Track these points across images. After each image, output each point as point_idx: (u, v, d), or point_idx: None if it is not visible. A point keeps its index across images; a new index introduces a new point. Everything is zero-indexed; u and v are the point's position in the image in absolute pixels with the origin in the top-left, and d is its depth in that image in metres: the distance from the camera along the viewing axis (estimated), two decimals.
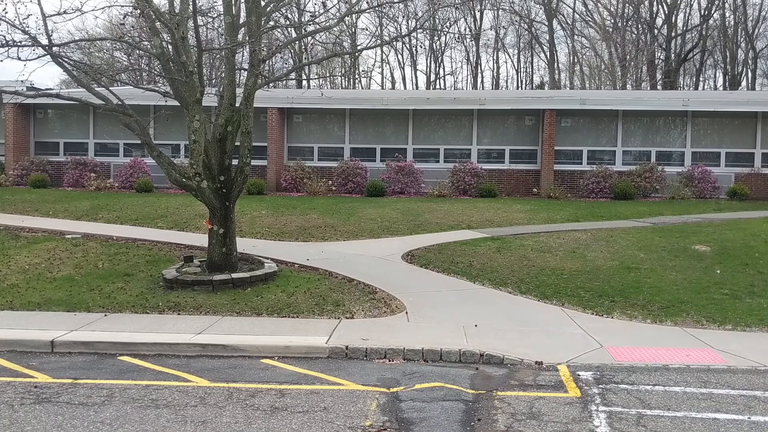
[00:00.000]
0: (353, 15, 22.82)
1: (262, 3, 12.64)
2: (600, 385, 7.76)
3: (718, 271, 13.13)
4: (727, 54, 48.58)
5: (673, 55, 48.86)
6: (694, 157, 23.59)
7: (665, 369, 8.42)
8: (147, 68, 24.94)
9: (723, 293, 11.93)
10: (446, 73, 58.73)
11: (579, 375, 8.15)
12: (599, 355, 8.90)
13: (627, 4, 48.97)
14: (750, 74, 49.22)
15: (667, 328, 10.32)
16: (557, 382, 7.93)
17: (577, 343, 9.40)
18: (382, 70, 57.58)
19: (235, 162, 12.80)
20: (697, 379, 8.02)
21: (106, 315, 10.63)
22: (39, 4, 11.35)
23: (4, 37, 10.87)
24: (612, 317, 10.88)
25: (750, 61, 48.79)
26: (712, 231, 16.22)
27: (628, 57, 47.98)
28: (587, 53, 53.69)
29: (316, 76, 49.16)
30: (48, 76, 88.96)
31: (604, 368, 8.42)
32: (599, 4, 50.33)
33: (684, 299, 11.60)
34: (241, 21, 12.95)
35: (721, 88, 49.19)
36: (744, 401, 7.29)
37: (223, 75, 14.55)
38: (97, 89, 12.59)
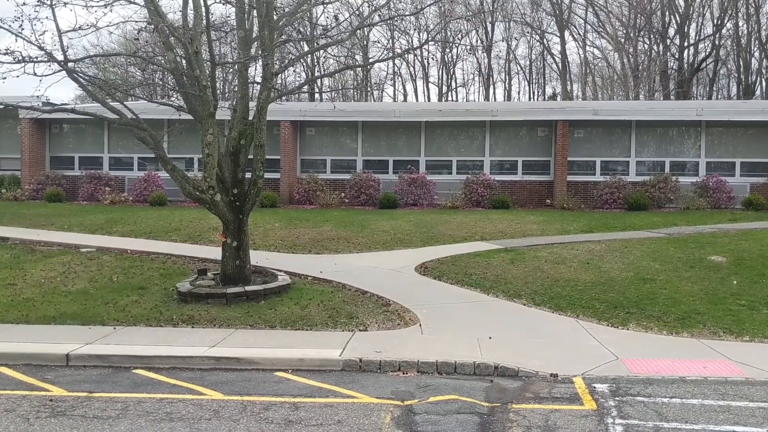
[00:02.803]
0: (365, 28, 22.94)
1: (275, 17, 12.72)
2: (616, 398, 7.69)
3: (735, 282, 13.01)
4: (741, 63, 48.35)
5: (686, 65, 48.70)
6: (708, 167, 23.46)
7: (682, 381, 8.34)
8: (161, 83, 25.17)
9: (740, 304, 11.81)
10: (458, 85, 58.84)
11: (595, 387, 8.08)
12: (615, 367, 8.83)
13: (639, 15, 48.90)
14: (764, 83, 48.97)
15: (683, 340, 10.23)
16: (573, 394, 7.87)
17: (592, 355, 9.32)
18: (394, 82, 57.64)
19: (248, 175, 12.85)
20: (715, 392, 7.93)
21: (120, 328, 10.67)
22: (55, 20, 11.49)
23: (21, 53, 10.99)
24: (627, 329, 10.79)
25: (764, 70, 48.52)
26: (728, 241, 16.09)
27: (640, 67, 47.87)
28: (599, 64, 53.64)
29: (328, 89, 49.36)
30: (63, 91, 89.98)
31: (620, 380, 8.35)
32: (611, 15, 50.30)
33: (700, 310, 11.49)
34: (254, 35, 13.04)
35: (735, 98, 48.91)
36: (763, 414, 7.19)
37: (236, 89, 14.64)
38: (111, 104, 12.70)
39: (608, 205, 22.51)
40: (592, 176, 23.63)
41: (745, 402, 7.56)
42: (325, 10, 17.49)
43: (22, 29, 11.15)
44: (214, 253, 14.71)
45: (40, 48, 11.22)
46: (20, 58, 10.95)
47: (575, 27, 53.17)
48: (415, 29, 50.22)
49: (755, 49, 48.21)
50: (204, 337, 10.10)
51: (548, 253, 15.26)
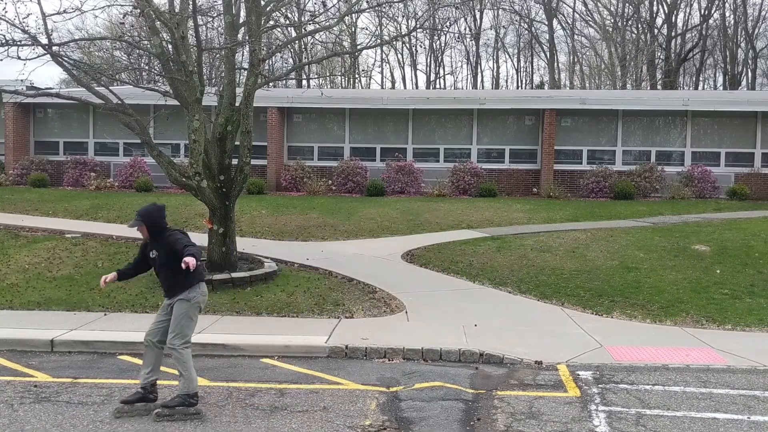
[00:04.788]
0: (353, 14, 22.82)
1: (262, 2, 12.64)
2: (599, 385, 7.76)
3: (718, 271, 13.13)
4: (727, 54, 48.58)
5: (673, 55, 48.86)
6: (693, 157, 23.59)
7: (665, 369, 8.42)
8: (147, 67, 24.92)
9: (723, 293, 11.93)
10: (446, 73, 58.78)
11: (579, 374, 8.15)
12: (599, 355, 8.90)
13: (627, 4, 48.97)
14: (750, 74, 49.25)
15: (666, 328, 10.33)
16: (557, 381, 7.93)
17: (576, 343, 9.40)
18: (382, 69, 57.59)
19: (235, 161, 12.80)
20: (697, 379, 8.02)
21: (105, 314, 10.64)
22: (39, 3, 11.35)
23: (4, 36, 10.87)
24: (612, 317, 10.88)
25: (750, 61, 48.79)
26: (712, 231, 16.22)
27: (628, 57, 47.95)
28: (587, 53, 53.74)
29: (315, 76, 49.14)
30: (48, 75, 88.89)
31: (604, 368, 8.42)
32: (599, 4, 50.33)
33: (684, 299, 11.60)
34: (241, 20, 12.96)
35: (721, 88, 49.19)
36: (743, 401, 7.29)
37: (222, 74, 14.56)
38: (96, 88, 12.59)
39: (594, 194, 22.61)
40: (579, 165, 23.71)
41: (727, 389, 7.66)
42: None
43: (6, 12, 11.04)
44: (201, 239, 14.59)
45: (24, 31, 11.09)
46: (3, 41, 10.82)
47: (563, 15, 53.17)
48: (403, 16, 50.01)
49: (741, 39, 48.45)
50: None
51: (534, 241, 15.33)
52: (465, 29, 53.49)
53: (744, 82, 48.62)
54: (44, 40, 11.24)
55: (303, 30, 15.19)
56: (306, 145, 24.80)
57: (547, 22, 52.15)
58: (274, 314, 10.69)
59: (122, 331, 9.65)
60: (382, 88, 55.02)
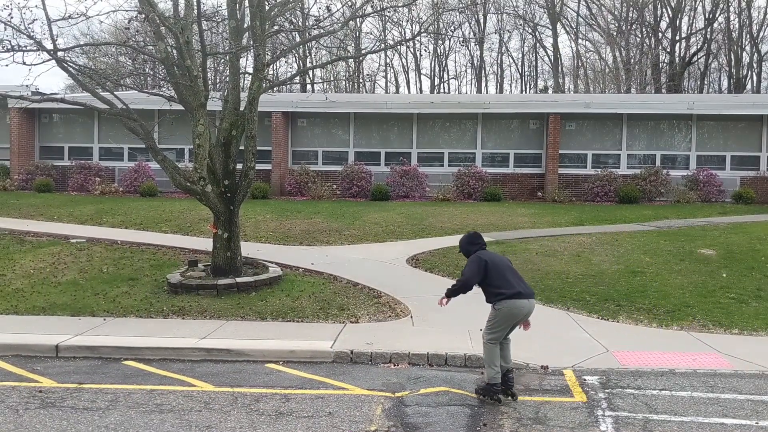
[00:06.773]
0: (357, 19, 22.84)
1: (266, 7, 12.65)
2: (606, 390, 7.72)
3: (724, 275, 13.07)
4: (732, 57, 48.48)
5: (677, 59, 48.79)
6: (699, 161, 23.53)
7: (672, 373, 8.38)
8: (151, 73, 24.99)
9: (729, 297, 11.87)
10: (450, 77, 58.78)
11: (585, 379, 8.11)
12: (605, 360, 8.86)
13: (631, 8, 48.92)
14: (755, 77, 49.13)
15: (673, 333, 10.28)
16: (563, 386, 7.89)
17: (582, 348, 9.36)
18: (386, 74, 57.46)
19: (239, 166, 12.80)
20: (704, 384, 7.97)
21: (110, 319, 10.63)
22: (44, 9, 11.37)
23: (10, 42, 10.89)
24: (618, 321, 10.83)
25: (755, 64, 48.68)
26: (718, 234, 16.16)
27: (632, 61, 47.91)
28: (591, 57, 53.67)
29: (320, 80, 49.22)
30: (53, 81, 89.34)
31: (610, 373, 8.38)
32: (603, 8, 50.29)
33: (690, 303, 11.54)
34: (246, 25, 12.97)
35: (726, 92, 49.08)
36: (751, 406, 7.24)
37: (227, 79, 14.57)
38: (101, 94, 12.61)
39: (599, 198, 22.56)
40: (584, 169, 23.66)
41: (734, 394, 7.61)
42: (318, 1, 17.40)
43: (11, 17, 11.05)
44: (205, 244, 14.66)
45: (30, 37, 11.11)
46: (9, 46, 10.85)
47: (567, 20, 53.16)
48: (407, 21, 50.11)
49: (746, 43, 48.35)
50: (194, 328, 10.07)
51: (539, 245, 15.29)
52: (469, 34, 53.59)
53: (749, 86, 48.51)
54: (49, 46, 11.27)
55: (307, 35, 15.21)
56: (310, 150, 24.81)
57: (551, 26, 52.17)
58: (278, 319, 10.68)
59: (127, 336, 9.64)
60: (387, 92, 55.07)
